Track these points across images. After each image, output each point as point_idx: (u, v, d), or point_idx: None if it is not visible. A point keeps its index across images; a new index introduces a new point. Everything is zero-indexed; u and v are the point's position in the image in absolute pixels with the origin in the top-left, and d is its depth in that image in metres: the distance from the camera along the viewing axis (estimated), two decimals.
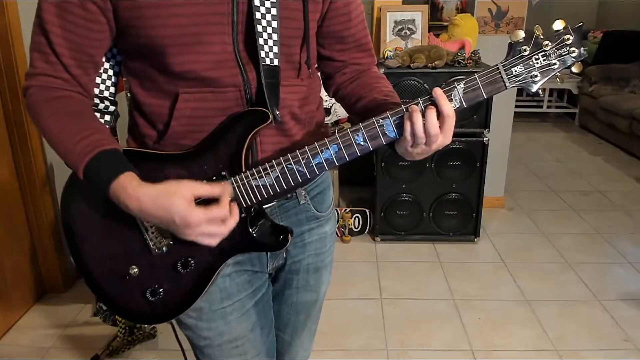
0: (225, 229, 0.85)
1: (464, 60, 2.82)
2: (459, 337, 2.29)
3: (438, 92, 0.83)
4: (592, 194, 3.87)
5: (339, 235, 3.14)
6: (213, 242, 0.85)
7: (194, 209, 0.82)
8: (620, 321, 2.37)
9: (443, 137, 0.84)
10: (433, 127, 0.83)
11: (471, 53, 2.92)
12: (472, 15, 3.24)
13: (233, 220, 0.86)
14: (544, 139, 5.33)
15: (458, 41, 3.00)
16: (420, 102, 0.85)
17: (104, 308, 2.15)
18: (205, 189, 0.85)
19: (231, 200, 0.88)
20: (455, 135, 3.11)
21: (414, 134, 0.84)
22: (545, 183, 4.10)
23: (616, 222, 3.38)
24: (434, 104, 0.83)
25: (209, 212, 0.83)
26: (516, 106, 3.51)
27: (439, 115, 0.83)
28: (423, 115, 0.83)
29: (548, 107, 6.10)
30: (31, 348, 2.22)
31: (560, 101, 6.22)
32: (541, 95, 0.89)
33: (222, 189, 0.86)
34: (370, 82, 1.05)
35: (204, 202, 0.85)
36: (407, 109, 0.85)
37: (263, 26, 0.88)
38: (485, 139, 2.92)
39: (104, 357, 2.14)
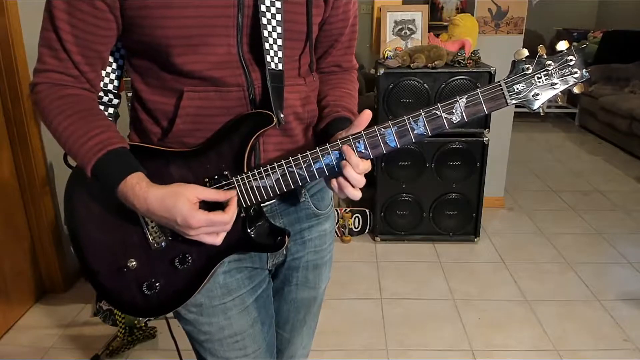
0: (218, 239, 0.88)
1: (464, 60, 2.82)
2: (459, 337, 2.29)
3: (344, 148, 0.88)
4: (592, 194, 3.87)
5: (339, 235, 3.14)
6: (217, 240, 0.88)
7: (196, 212, 0.84)
8: (620, 321, 2.37)
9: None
10: (360, 183, 0.89)
11: (471, 53, 2.92)
12: (472, 15, 3.24)
13: (227, 229, 0.89)
14: (544, 139, 5.33)
15: (458, 41, 3.00)
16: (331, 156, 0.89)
17: (104, 308, 2.15)
18: (210, 193, 0.87)
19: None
20: (455, 135, 3.10)
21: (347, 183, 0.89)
22: (545, 183, 4.10)
23: (616, 222, 3.38)
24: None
25: (212, 216, 0.85)
26: (516, 106, 3.51)
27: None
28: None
29: (548, 107, 6.07)
30: (31, 348, 2.22)
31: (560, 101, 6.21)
32: (542, 114, 0.91)
33: (228, 196, 0.88)
34: (335, 83, 1.10)
35: (211, 205, 0.87)
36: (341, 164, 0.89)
37: (269, 31, 0.90)
38: (485, 139, 2.92)
39: (104, 357, 2.14)
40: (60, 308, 2.48)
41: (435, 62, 2.77)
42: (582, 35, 6.23)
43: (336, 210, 3.12)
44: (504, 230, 3.29)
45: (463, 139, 2.91)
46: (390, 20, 3.06)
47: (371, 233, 3.20)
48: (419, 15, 3.06)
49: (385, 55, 2.92)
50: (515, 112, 3.50)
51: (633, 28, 5.80)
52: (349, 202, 3.46)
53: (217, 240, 0.88)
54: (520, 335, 2.30)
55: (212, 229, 0.86)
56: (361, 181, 0.89)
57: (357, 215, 3.17)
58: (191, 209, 0.84)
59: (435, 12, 5.23)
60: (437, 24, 4.42)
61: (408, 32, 3.07)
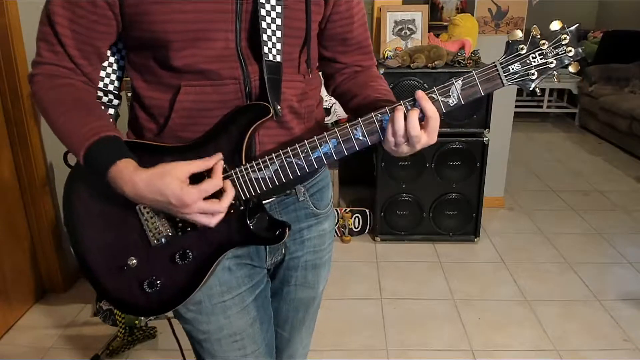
0: (221, 205, 0.86)
1: (464, 60, 2.82)
2: (459, 337, 2.29)
3: (419, 94, 0.85)
4: (592, 194, 3.87)
5: (339, 235, 3.14)
6: (212, 221, 0.86)
7: (187, 187, 0.83)
8: (620, 321, 2.37)
9: (427, 137, 0.86)
10: (413, 129, 0.84)
11: (471, 53, 2.92)
12: (472, 15, 3.24)
13: (229, 196, 0.87)
14: (544, 139, 5.33)
15: (458, 41, 3.00)
16: (406, 103, 0.86)
17: (104, 308, 2.15)
18: (197, 163, 0.86)
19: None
20: (455, 135, 3.10)
21: (394, 134, 0.85)
22: (545, 183, 4.10)
23: (616, 222, 3.38)
24: (418, 105, 0.85)
25: (202, 185, 0.84)
26: (516, 106, 3.51)
27: (423, 116, 0.85)
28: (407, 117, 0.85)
29: (548, 107, 6.10)
30: (31, 348, 2.22)
31: (560, 101, 6.22)
32: (539, 94, 0.90)
33: (214, 159, 0.87)
34: (366, 81, 1.07)
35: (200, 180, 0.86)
36: (392, 110, 0.86)
37: (268, 23, 0.90)
38: (485, 139, 2.92)
39: (104, 357, 2.14)
40: (60, 308, 2.48)
41: (435, 62, 2.77)
42: (582, 35, 6.23)
43: (336, 210, 3.12)
44: (504, 230, 3.29)
45: (463, 139, 2.91)
46: (390, 20, 3.06)
47: (371, 233, 3.20)
48: (419, 15, 3.06)
49: (385, 55, 2.92)
50: (515, 112, 3.50)
51: (633, 28, 5.80)
52: (349, 202, 3.47)
53: (212, 221, 0.86)
54: (520, 335, 2.30)
55: (208, 204, 0.85)
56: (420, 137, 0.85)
57: (357, 215, 3.17)
58: (182, 186, 0.83)
59: (435, 12, 5.23)
60: (437, 24, 4.42)
61: (408, 32, 3.07)
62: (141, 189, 0.84)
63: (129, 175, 0.84)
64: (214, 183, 0.85)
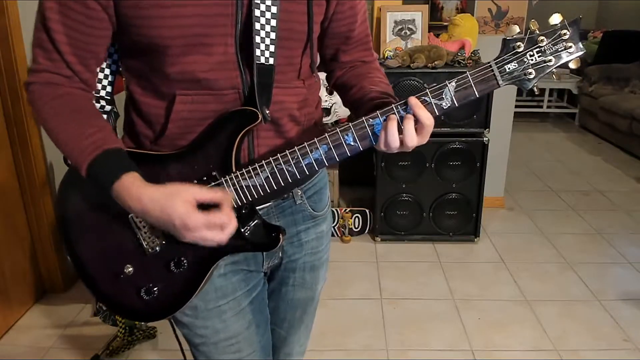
0: (223, 236, 0.84)
1: (464, 60, 2.82)
2: (459, 337, 2.29)
3: (413, 101, 0.82)
4: (592, 194, 3.87)
5: (339, 235, 3.14)
6: (209, 245, 0.86)
7: (194, 212, 0.82)
8: (620, 321, 2.37)
9: (420, 139, 0.84)
10: (410, 139, 0.82)
11: (471, 53, 2.92)
12: (472, 15, 3.24)
13: (231, 228, 0.86)
14: (544, 139, 5.33)
15: (458, 41, 3.00)
16: (399, 108, 0.84)
17: (104, 308, 2.15)
18: (207, 193, 0.85)
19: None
20: (455, 135, 3.09)
21: (386, 144, 0.84)
22: (545, 183, 4.10)
23: (616, 222, 3.38)
24: (411, 112, 0.83)
25: (209, 217, 0.83)
26: (516, 106, 3.51)
27: (417, 122, 0.83)
28: (402, 120, 0.83)
29: (548, 107, 6.10)
30: (31, 348, 2.22)
31: (560, 101, 6.22)
32: (537, 93, 0.88)
33: (224, 196, 0.86)
34: (364, 72, 1.06)
35: (204, 206, 0.85)
36: (384, 117, 0.84)
37: (261, 24, 0.87)
38: (485, 139, 2.92)
39: (104, 357, 2.14)
40: (60, 308, 2.48)
41: (435, 62, 2.77)
42: (582, 35, 6.22)
43: (336, 210, 3.12)
44: (504, 230, 3.29)
45: (463, 139, 2.91)
46: (390, 20, 3.06)
47: (371, 233, 3.20)
48: (419, 15, 3.06)
49: (385, 55, 2.92)
50: (515, 112, 3.49)
51: (633, 28, 5.79)
52: (349, 202, 3.46)
53: (223, 237, 0.84)
54: (520, 335, 2.30)
55: (210, 232, 0.84)
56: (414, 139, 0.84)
57: (357, 215, 3.17)
58: (188, 209, 0.82)
59: (435, 12, 5.22)
60: (437, 24, 4.42)
61: (408, 32, 3.07)
62: (147, 206, 0.83)
63: (137, 191, 0.83)
64: (222, 218, 0.83)
